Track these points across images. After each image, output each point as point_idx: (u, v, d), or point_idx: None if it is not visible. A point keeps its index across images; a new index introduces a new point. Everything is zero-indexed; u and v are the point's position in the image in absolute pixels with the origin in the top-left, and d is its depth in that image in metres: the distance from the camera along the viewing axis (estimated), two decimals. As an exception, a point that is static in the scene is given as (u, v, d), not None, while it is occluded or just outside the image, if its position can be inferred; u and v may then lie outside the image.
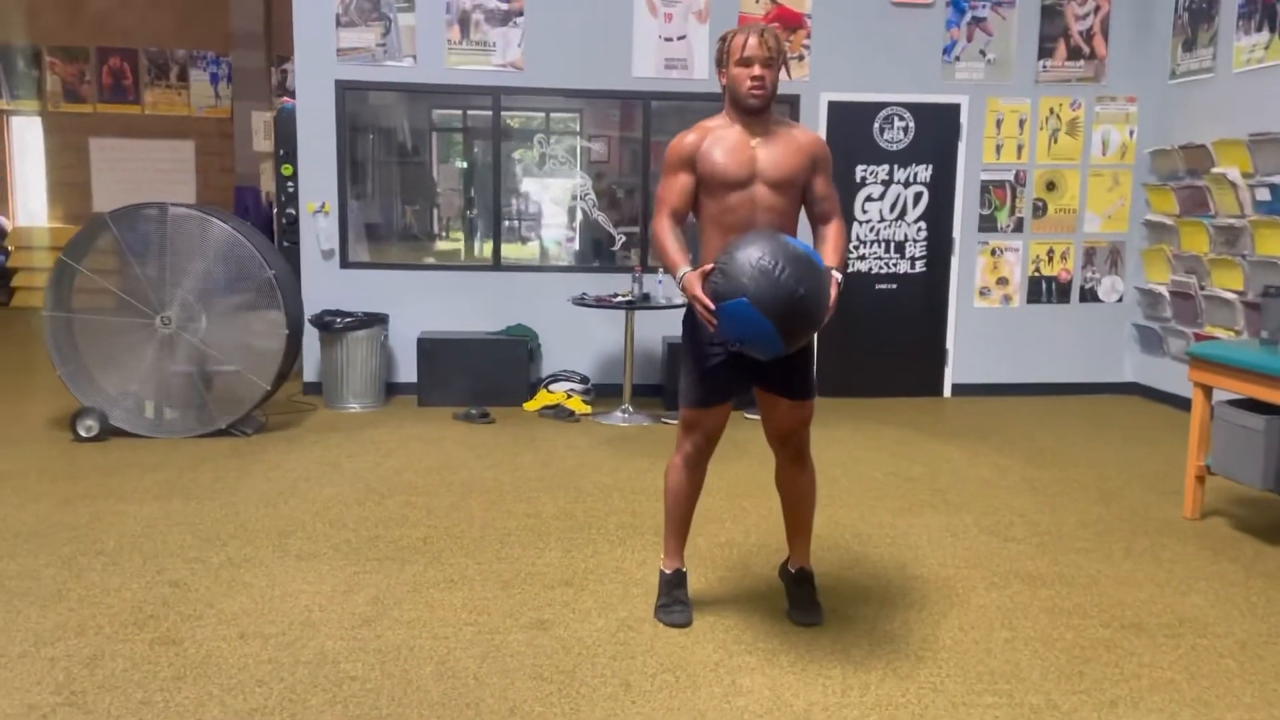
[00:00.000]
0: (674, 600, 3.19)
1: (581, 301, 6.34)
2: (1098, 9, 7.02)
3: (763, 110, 2.97)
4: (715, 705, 2.67)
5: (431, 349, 6.49)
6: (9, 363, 7.93)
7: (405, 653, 2.94)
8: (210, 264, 5.41)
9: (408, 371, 6.72)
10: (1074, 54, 7.05)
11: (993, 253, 7.19)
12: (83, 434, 5.31)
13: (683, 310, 3.11)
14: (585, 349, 6.91)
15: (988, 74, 7.00)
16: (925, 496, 4.66)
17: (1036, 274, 7.24)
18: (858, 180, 6.99)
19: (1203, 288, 6.53)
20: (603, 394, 6.68)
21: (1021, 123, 7.07)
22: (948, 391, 7.26)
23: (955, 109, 7.01)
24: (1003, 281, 7.23)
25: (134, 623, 3.10)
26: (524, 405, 6.48)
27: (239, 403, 5.48)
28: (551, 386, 6.54)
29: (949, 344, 7.23)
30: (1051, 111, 7.08)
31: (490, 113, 6.76)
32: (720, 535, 4.05)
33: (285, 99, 7.46)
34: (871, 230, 7.06)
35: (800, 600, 3.25)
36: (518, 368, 6.56)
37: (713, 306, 2.74)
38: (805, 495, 3.22)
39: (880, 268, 7.10)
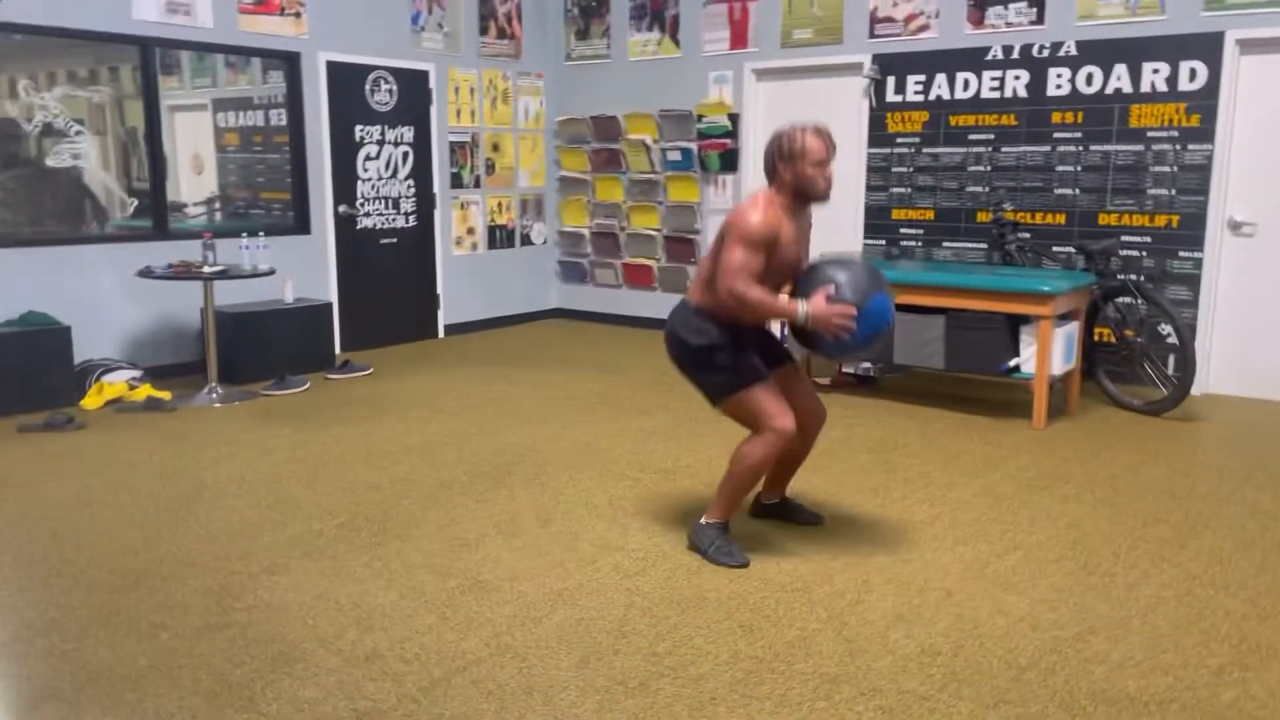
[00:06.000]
0: (730, 542, 3.38)
1: (151, 274, 5.58)
2: (516, -4, 8.32)
3: None
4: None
5: (-56, 352, 5.06)
6: None
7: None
8: None
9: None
10: (501, 34, 8.24)
11: (462, 206, 8.10)
12: None
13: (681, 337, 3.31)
14: (106, 332, 6.01)
15: (446, 45, 7.81)
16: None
17: (493, 223, 8.37)
18: (357, 140, 7.25)
19: (623, 228, 8.43)
20: (152, 378, 5.96)
21: (471, 91, 8.06)
22: (441, 332, 8.03)
23: (425, 75, 7.68)
24: (471, 231, 8.20)
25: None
26: (81, 403, 5.49)
27: None
28: (105, 378, 5.63)
29: (439, 289, 7.98)
30: (491, 83, 8.20)
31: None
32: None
33: None
34: (373, 188, 7.40)
35: (798, 511, 3.72)
36: (61, 361, 5.49)
37: (854, 312, 3.05)
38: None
39: (383, 223, 7.50)
